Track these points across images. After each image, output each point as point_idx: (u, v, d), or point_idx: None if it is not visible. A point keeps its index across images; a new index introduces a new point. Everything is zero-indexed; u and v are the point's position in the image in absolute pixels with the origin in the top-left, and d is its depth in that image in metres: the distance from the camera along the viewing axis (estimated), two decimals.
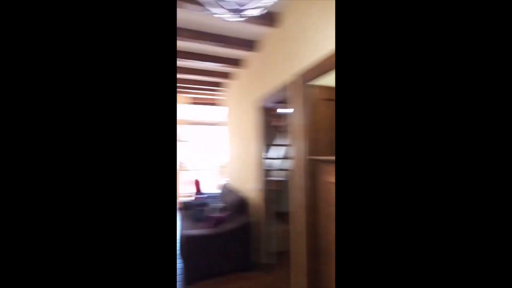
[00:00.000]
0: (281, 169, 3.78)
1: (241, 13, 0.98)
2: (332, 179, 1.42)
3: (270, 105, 2.37)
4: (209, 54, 2.85)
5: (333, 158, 1.42)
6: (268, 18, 2.02)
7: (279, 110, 3.40)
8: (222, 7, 0.92)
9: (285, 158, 3.83)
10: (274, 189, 2.96)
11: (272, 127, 3.02)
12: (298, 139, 1.73)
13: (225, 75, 3.53)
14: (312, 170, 1.60)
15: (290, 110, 1.84)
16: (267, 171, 2.47)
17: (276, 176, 3.62)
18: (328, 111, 1.70)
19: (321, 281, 1.52)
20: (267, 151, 2.47)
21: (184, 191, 4.73)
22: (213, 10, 0.95)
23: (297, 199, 1.74)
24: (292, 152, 1.83)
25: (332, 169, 1.42)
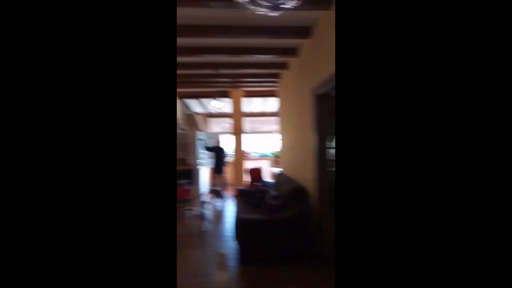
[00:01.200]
0: None
1: (278, 8, 0.99)
2: None
3: (325, 92, 2.28)
4: (262, 46, 2.90)
5: None
6: (320, 1, 1.92)
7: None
8: (260, 4, 0.95)
9: None
10: (333, 180, 2.88)
11: (332, 115, 2.90)
12: None
13: (279, 65, 3.54)
14: None
15: None
16: (326, 161, 2.41)
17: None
18: None
19: None
20: (326, 140, 2.40)
21: (246, 180, 5.00)
22: (252, 7, 0.98)
23: None
24: None
25: None
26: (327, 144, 2.65)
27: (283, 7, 1.00)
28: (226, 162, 4.78)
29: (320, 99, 2.37)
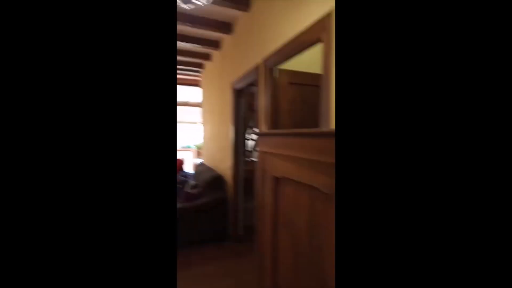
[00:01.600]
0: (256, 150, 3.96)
1: (189, 1, 1.07)
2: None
3: (241, 87, 2.47)
4: (187, 35, 2.86)
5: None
6: (241, 2, 2.08)
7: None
8: None
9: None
10: (250, 169, 3.14)
11: (252, 109, 3.14)
12: (261, 121, 1.87)
13: (203, 56, 3.55)
14: None
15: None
16: (243, 152, 2.62)
17: (253, 157, 3.78)
18: (291, 94, 1.84)
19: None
20: (245, 132, 2.60)
21: None
22: None
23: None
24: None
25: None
26: (246, 136, 2.88)
27: (194, 2, 1.08)
28: None
29: (238, 93, 2.55)
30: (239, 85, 2.43)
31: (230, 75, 2.68)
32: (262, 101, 1.88)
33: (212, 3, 2.00)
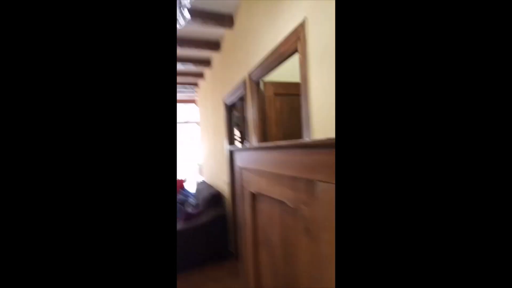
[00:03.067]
0: None
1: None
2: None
3: (232, 102, 2.48)
4: (179, 56, 2.94)
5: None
6: (226, 20, 2.13)
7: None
8: None
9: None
10: None
11: (243, 122, 3.15)
12: (251, 133, 1.86)
13: (197, 75, 3.62)
14: None
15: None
16: (232, 167, 2.59)
17: None
18: (277, 105, 1.83)
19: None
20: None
21: None
22: None
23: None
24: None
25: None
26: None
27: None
28: None
29: (230, 108, 2.57)
30: (230, 100, 2.44)
31: (221, 91, 2.71)
32: (250, 114, 1.87)
33: (201, 23, 2.05)
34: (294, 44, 1.28)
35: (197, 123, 6.64)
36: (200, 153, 4.93)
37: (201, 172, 6.59)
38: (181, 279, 2.29)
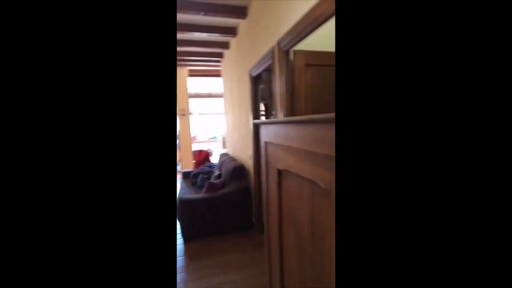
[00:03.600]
0: None
1: None
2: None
3: (258, 73, 2.37)
4: (203, 24, 2.82)
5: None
6: None
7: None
8: None
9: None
10: None
11: (269, 96, 3.04)
12: (277, 108, 1.77)
13: (222, 44, 3.49)
14: None
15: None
16: (257, 139, 2.56)
17: None
18: (308, 77, 1.70)
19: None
20: (255, 118, 2.53)
21: (193, 162, 4.96)
22: None
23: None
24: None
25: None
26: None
27: None
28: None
29: (255, 80, 2.46)
30: (256, 72, 2.33)
31: (247, 61, 2.59)
32: (278, 87, 1.77)
33: None
34: (332, 5, 1.13)
35: (221, 95, 6.63)
36: (224, 126, 4.96)
37: (224, 145, 6.72)
38: (204, 244, 2.43)
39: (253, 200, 2.71)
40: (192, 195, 2.61)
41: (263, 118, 2.94)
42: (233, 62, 3.34)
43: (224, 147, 6.71)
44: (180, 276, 1.96)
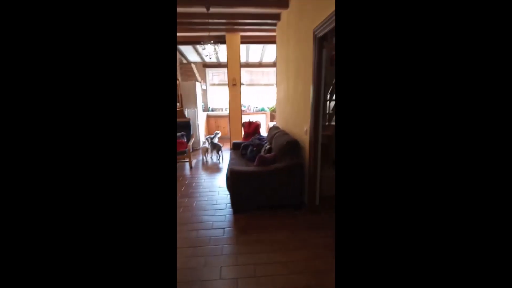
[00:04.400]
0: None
1: None
2: None
3: (326, 34, 2.00)
4: None
5: None
6: None
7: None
8: None
9: None
10: (329, 134, 2.79)
11: (332, 64, 2.64)
12: None
13: (278, 3, 3.10)
14: None
15: None
16: (324, 115, 2.26)
17: (333, 121, 3.36)
18: None
19: None
20: (325, 91, 2.21)
21: (243, 133, 4.93)
22: None
23: None
24: None
25: None
26: (327, 96, 2.46)
27: None
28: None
29: (321, 42, 2.10)
30: (323, 31, 1.97)
31: (311, 19, 2.21)
32: None
33: None
34: None
35: (272, 64, 6.25)
36: (273, 98, 4.69)
37: (272, 118, 6.50)
38: (253, 218, 2.36)
39: (306, 178, 2.51)
40: (242, 167, 2.53)
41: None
42: (291, 22, 2.95)
43: (272, 120, 6.51)
44: (229, 248, 1.94)
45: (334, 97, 3.54)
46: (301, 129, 2.65)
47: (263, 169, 2.44)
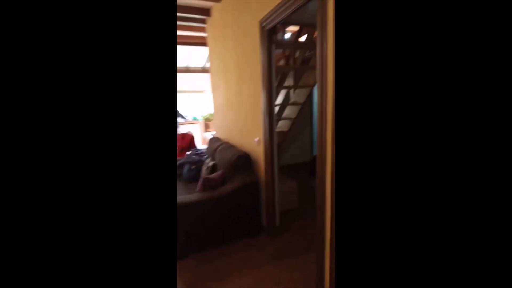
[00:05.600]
0: (285, 118, 3.25)
1: None
2: None
3: (275, 25, 1.68)
4: None
5: None
6: None
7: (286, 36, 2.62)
8: None
9: (288, 104, 3.26)
10: (278, 142, 2.49)
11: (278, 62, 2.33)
12: (326, 76, 1.14)
13: None
14: None
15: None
16: (271, 121, 1.91)
17: (278, 127, 3.09)
18: None
19: None
20: (270, 94, 1.86)
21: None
22: None
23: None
24: (318, 94, 1.25)
25: None
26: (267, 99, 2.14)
27: None
28: None
29: (270, 36, 1.77)
30: (273, 22, 1.63)
31: (257, 9, 1.86)
32: (323, 45, 1.12)
33: None
34: None
35: (203, 70, 5.69)
36: (210, 104, 4.15)
37: (206, 127, 5.92)
38: (204, 261, 1.80)
39: (263, 197, 2.12)
40: (182, 196, 1.93)
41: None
42: (228, 16, 2.54)
43: (207, 129, 5.91)
44: None
45: (280, 101, 3.32)
46: (251, 140, 2.26)
47: (211, 195, 1.91)
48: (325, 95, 1.18)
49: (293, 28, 3.39)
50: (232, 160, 2.12)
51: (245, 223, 2.05)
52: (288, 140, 3.68)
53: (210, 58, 3.56)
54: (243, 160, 2.12)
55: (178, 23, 3.37)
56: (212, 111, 3.90)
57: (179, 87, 6.02)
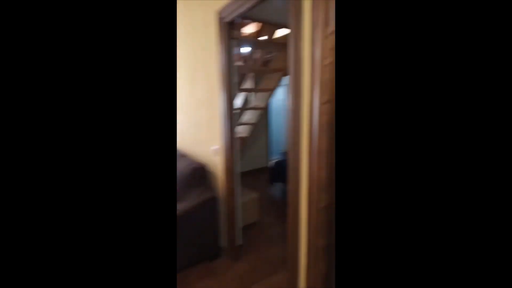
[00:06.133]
0: (245, 123, 3.04)
1: None
2: None
3: (234, 18, 1.46)
4: None
5: None
6: None
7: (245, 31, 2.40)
8: None
9: (248, 108, 3.07)
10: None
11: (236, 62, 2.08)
12: (301, 79, 0.97)
13: None
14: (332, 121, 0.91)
15: (282, 32, 1.03)
16: (232, 127, 1.68)
17: (237, 132, 2.86)
18: None
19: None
20: (230, 97, 1.63)
21: None
22: None
23: (311, 168, 1.07)
24: (290, 98, 1.08)
25: None
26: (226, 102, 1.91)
27: None
28: None
29: (230, 30, 1.54)
30: (234, 13, 1.41)
31: (210, 2, 1.61)
32: (305, 50, 0.95)
33: None
34: None
35: None
36: None
37: None
38: None
39: (222, 214, 1.86)
40: None
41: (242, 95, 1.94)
42: (179, 5, 2.21)
43: None
44: None
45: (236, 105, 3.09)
46: (206, 148, 1.98)
47: None
48: (299, 99, 1.01)
49: (251, 28, 3.23)
50: (187, 174, 1.80)
51: (203, 247, 1.76)
52: (246, 145, 3.49)
53: None
54: (200, 173, 1.82)
55: None
56: None
57: None
